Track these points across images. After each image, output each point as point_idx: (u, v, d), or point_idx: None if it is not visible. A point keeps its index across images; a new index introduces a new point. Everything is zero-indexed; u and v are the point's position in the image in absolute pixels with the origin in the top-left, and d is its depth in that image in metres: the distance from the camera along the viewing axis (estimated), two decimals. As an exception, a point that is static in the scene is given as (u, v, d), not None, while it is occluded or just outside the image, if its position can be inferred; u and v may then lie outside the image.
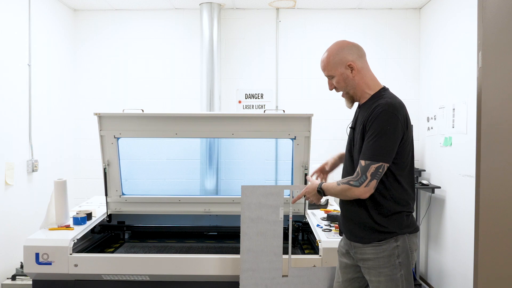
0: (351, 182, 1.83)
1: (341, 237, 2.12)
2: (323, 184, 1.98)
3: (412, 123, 1.92)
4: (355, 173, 1.83)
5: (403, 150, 1.85)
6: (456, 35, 3.68)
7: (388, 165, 1.80)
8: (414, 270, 4.02)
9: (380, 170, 1.79)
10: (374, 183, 1.80)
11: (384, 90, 1.95)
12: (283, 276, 2.28)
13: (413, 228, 1.91)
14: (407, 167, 1.89)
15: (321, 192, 1.97)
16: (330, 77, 1.98)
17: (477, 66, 1.38)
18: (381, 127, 1.79)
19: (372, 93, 1.94)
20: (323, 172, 2.32)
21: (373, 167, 1.78)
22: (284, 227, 2.29)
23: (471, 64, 3.35)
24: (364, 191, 1.80)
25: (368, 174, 1.79)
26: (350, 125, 2.05)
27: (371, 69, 2.00)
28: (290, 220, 2.30)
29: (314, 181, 2.06)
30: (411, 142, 1.91)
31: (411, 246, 1.89)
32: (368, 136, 1.82)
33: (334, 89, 2.02)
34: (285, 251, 2.30)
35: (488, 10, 1.34)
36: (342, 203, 2.02)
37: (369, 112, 1.85)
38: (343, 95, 2.01)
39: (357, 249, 1.93)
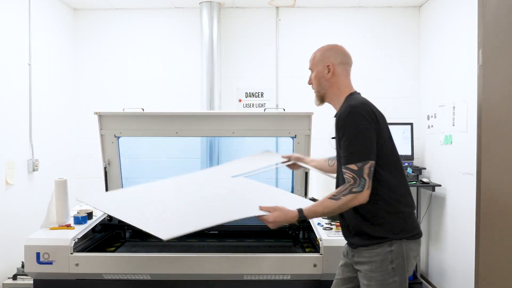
0: (354, 189, 1.76)
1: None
2: (304, 209, 1.87)
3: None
4: (351, 180, 1.76)
5: (381, 148, 1.81)
6: (456, 33, 3.68)
7: (374, 162, 1.78)
8: (415, 271, 4.01)
9: (372, 169, 1.77)
10: (371, 183, 1.78)
11: (351, 95, 1.95)
12: None
13: (413, 234, 1.84)
14: (392, 165, 1.84)
15: (304, 220, 1.93)
16: (310, 70, 2.07)
17: (477, 64, 1.38)
18: (354, 127, 1.78)
19: (342, 101, 1.94)
20: (298, 160, 2.42)
21: (366, 168, 1.75)
22: None
23: (472, 62, 3.35)
24: (368, 193, 1.77)
25: (366, 176, 1.75)
26: (332, 136, 2.01)
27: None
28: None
29: (288, 210, 1.89)
30: (387, 138, 1.86)
31: (408, 252, 1.81)
32: (345, 140, 1.79)
33: (310, 84, 2.08)
34: (286, 250, 2.29)
35: (488, 8, 1.34)
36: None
37: (336, 120, 1.87)
38: (314, 92, 2.07)
39: (353, 251, 1.91)
